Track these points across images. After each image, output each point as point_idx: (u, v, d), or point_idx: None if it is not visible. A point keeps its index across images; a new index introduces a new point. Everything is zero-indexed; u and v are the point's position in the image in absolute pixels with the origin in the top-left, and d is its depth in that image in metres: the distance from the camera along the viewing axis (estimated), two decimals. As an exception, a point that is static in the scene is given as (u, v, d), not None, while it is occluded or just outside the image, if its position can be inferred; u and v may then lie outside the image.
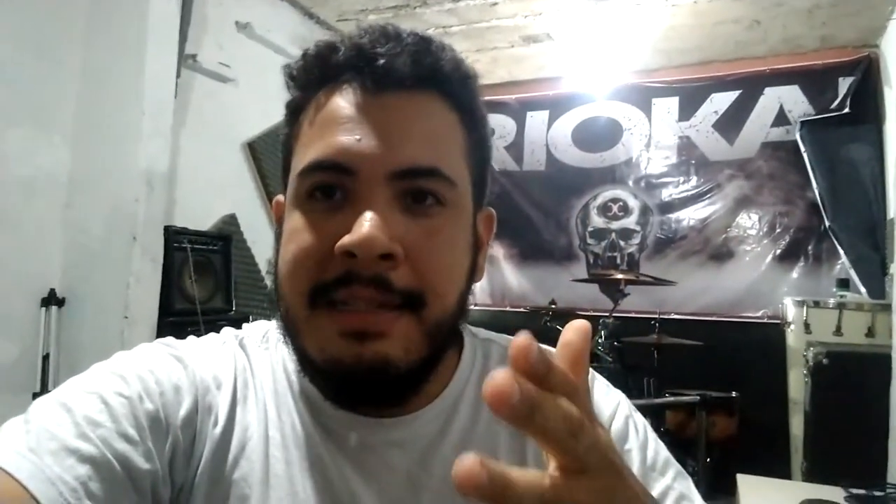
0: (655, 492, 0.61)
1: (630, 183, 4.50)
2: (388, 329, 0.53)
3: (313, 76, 0.59)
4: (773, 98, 4.10)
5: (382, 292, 0.53)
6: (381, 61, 0.55)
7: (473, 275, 0.63)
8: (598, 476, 0.32)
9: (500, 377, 0.28)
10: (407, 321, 0.54)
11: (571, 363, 0.34)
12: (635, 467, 0.62)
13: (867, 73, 3.84)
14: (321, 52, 0.59)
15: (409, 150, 0.55)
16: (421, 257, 0.54)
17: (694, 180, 4.31)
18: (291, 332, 0.58)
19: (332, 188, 0.55)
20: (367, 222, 0.51)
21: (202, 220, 3.12)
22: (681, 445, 3.04)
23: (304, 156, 0.57)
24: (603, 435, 0.33)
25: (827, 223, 3.78)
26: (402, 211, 0.55)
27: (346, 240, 0.51)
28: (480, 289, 4.70)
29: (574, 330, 0.35)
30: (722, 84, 4.26)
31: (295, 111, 0.61)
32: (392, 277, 0.53)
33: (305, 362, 0.57)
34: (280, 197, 0.63)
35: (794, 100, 4.04)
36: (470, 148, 0.61)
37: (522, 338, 0.30)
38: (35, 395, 2.45)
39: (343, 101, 0.56)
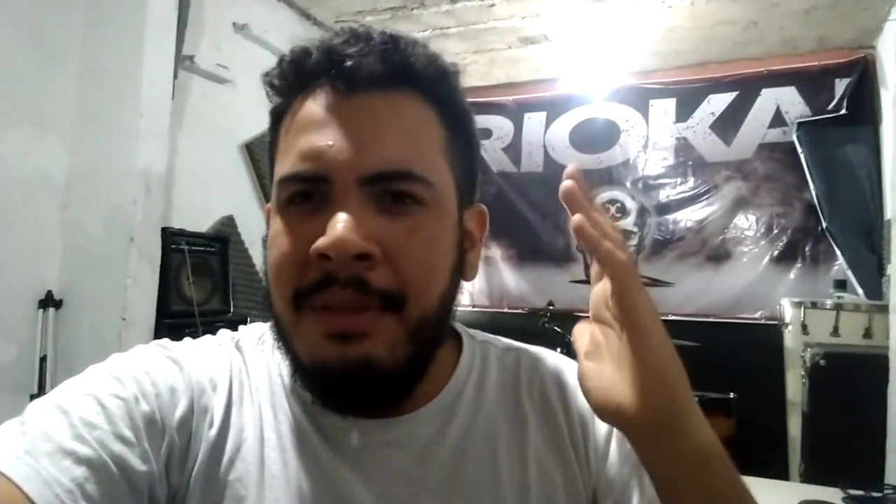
0: None
1: (627, 184, 4.50)
2: (370, 329, 0.53)
3: (289, 82, 0.60)
4: (769, 99, 4.10)
5: (361, 294, 0.53)
6: (351, 62, 0.55)
7: (461, 273, 0.62)
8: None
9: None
10: (389, 320, 0.54)
11: None
12: (635, 463, 0.62)
13: (864, 74, 3.85)
14: (295, 57, 0.59)
15: (380, 152, 0.55)
16: (399, 256, 0.54)
17: (691, 181, 4.31)
18: (282, 337, 0.58)
19: (309, 194, 0.56)
20: (339, 224, 0.52)
21: (200, 221, 3.12)
22: (678, 446, 3.03)
23: (283, 164, 0.58)
24: None
25: (824, 224, 3.78)
26: (379, 211, 0.55)
27: (319, 242, 0.52)
28: (478, 290, 4.71)
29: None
30: (719, 85, 4.26)
31: (276, 118, 0.62)
32: (370, 278, 0.53)
33: (296, 366, 0.57)
34: (269, 204, 0.63)
35: (790, 101, 4.05)
36: (450, 144, 0.60)
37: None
38: (32, 397, 2.44)
39: (315, 106, 0.57)
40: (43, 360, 2.53)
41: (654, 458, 0.51)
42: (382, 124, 0.56)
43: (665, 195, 4.38)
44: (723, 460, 0.51)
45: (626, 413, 0.49)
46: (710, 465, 0.50)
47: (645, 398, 0.48)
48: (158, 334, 2.61)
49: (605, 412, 0.51)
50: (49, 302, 2.57)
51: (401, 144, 0.56)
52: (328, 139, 0.55)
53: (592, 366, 0.52)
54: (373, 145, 0.55)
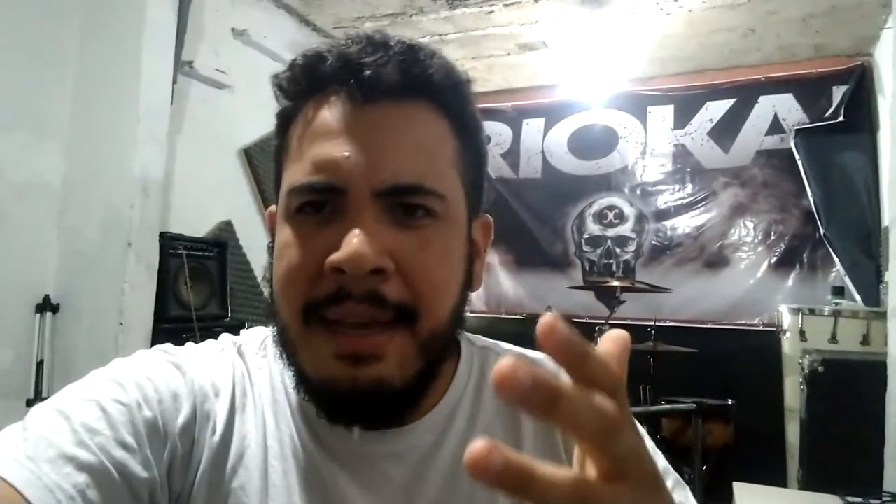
0: None
1: (626, 190, 4.51)
2: (382, 351, 0.53)
3: (301, 87, 0.58)
4: (767, 106, 4.12)
5: (376, 308, 0.52)
6: (369, 72, 0.54)
7: (469, 285, 0.62)
8: (637, 487, 0.29)
9: (507, 359, 0.25)
10: (401, 339, 0.54)
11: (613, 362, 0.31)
12: None
13: (861, 81, 3.87)
14: (308, 61, 0.58)
15: (395, 165, 0.54)
16: (413, 269, 0.54)
17: (689, 188, 4.32)
18: (288, 349, 0.57)
19: (321, 204, 0.55)
20: (355, 238, 0.51)
21: (198, 226, 3.11)
22: (677, 453, 3.03)
23: (294, 171, 0.57)
24: (641, 442, 0.30)
25: (822, 231, 3.79)
26: (392, 224, 0.54)
27: (335, 256, 0.51)
28: (476, 296, 4.70)
29: (612, 340, 0.32)
30: (717, 92, 4.28)
31: (285, 122, 0.60)
32: (385, 291, 0.53)
33: (301, 380, 0.57)
34: (273, 207, 0.62)
35: (788, 108, 4.06)
36: (462, 155, 0.60)
37: (548, 315, 0.26)
38: (29, 402, 2.44)
39: (331, 114, 0.56)
40: (40, 364, 2.52)
41: None
42: (398, 136, 0.55)
43: (663, 201, 4.39)
44: None
45: None
46: None
47: None
48: (156, 339, 2.61)
49: None
50: (46, 306, 2.56)
51: (415, 157, 0.55)
52: (344, 150, 0.54)
53: None
54: (388, 158, 0.54)
